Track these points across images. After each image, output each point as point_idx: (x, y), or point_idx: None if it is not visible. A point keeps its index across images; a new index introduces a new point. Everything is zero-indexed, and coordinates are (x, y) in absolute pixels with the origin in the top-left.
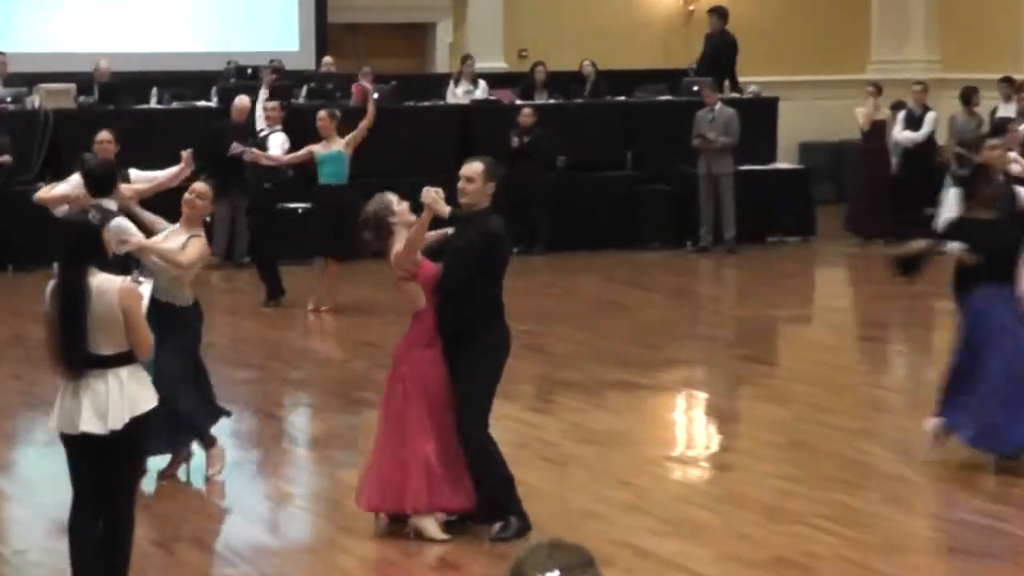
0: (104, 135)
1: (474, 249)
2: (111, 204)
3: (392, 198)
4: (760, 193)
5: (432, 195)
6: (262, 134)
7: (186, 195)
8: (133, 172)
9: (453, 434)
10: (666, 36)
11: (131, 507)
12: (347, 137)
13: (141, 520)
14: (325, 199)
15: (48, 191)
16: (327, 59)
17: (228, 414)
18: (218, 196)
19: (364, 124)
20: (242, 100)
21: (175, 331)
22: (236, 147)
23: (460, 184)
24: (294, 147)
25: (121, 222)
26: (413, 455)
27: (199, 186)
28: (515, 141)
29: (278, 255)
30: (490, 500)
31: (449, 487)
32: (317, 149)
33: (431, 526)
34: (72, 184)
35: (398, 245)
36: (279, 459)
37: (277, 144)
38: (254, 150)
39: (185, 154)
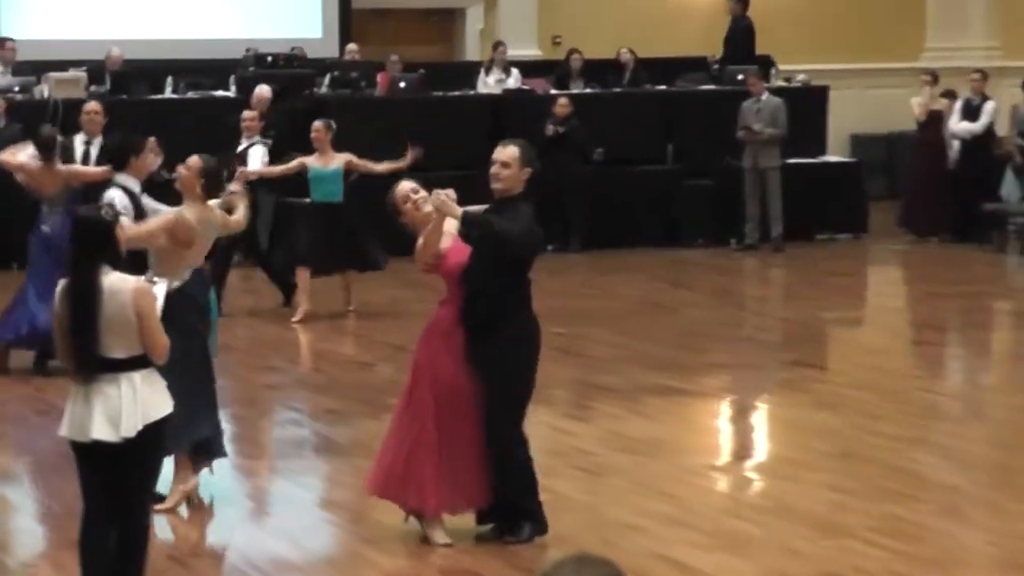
0: (93, 105)
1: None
2: (132, 182)
3: (401, 193)
4: (809, 188)
5: (441, 198)
6: (240, 148)
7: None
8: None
9: (465, 425)
10: (709, 22)
11: (145, 519)
12: (351, 158)
13: (155, 532)
14: (324, 219)
15: (11, 155)
16: (351, 46)
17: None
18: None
19: (372, 167)
20: (262, 90)
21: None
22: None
23: (494, 169)
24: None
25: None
26: (416, 444)
27: (191, 159)
28: (550, 129)
29: (289, 257)
30: (507, 501)
31: (456, 484)
32: (311, 163)
33: (436, 533)
34: (27, 155)
35: (419, 240)
36: (300, 468)
37: (257, 158)
38: (243, 169)
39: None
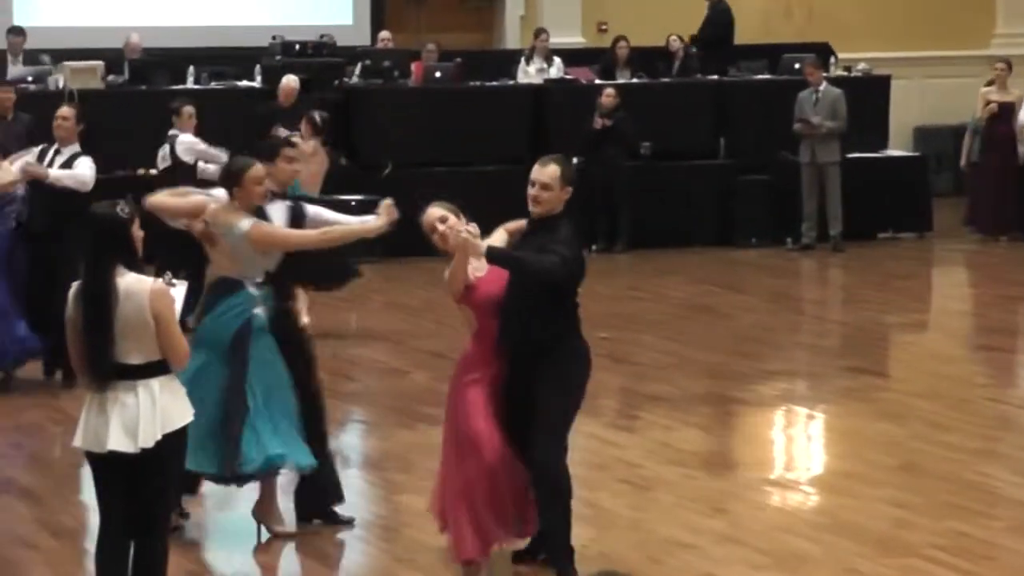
0: (64, 110)
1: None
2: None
3: (428, 223)
4: (870, 184)
5: (463, 237)
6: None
7: None
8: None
9: (496, 460)
10: (765, 7)
11: (165, 533)
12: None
13: (176, 547)
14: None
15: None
16: (384, 34)
17: None
18: None
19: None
20: (289, 81)
21: None
22: (282, 132)
23: (533, 192)
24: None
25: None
26: (449, 491)
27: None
28: (598, 123)
29: None
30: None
31: (497, 520)
32: None
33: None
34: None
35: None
36: None
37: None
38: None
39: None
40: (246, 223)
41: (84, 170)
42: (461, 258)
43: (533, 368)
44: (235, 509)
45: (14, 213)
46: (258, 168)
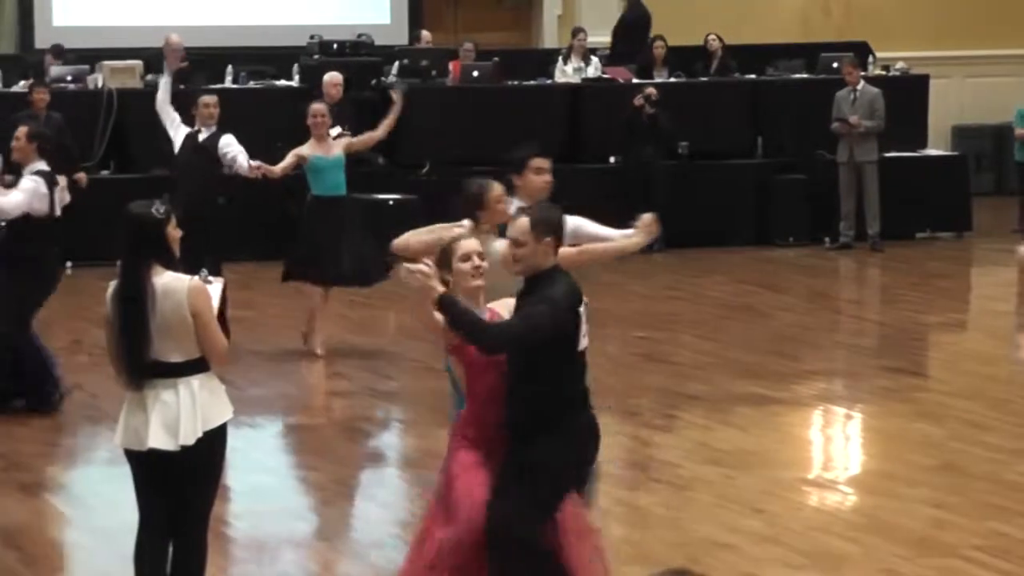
0: (20, 130)
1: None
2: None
3: (454, 240)
4: (908, 183)
5: (416, 276)
6: (201, 137)
7: None
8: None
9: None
10: (803, 5)
11: (204, 532)
12: (344, 141)
13: (215, 547)
14: (327, 215)
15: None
16: (425, 34)
17: None
18: None
19: (374, 135)
20: (334, 77)
21: None
22: (336, 132)
23: (507, 250)
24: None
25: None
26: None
27: None
28: (639, 100)
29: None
30: None
31: None
32: (308, 153)
33: None
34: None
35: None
36: (369, 480)
37: (239, 149)
38: (265, 167)
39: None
40: (500, 244)
41: (13, 196)
42: (425, 310)
43: (522, 446)
44: (275, 508)
45: None
46: (497, 187)
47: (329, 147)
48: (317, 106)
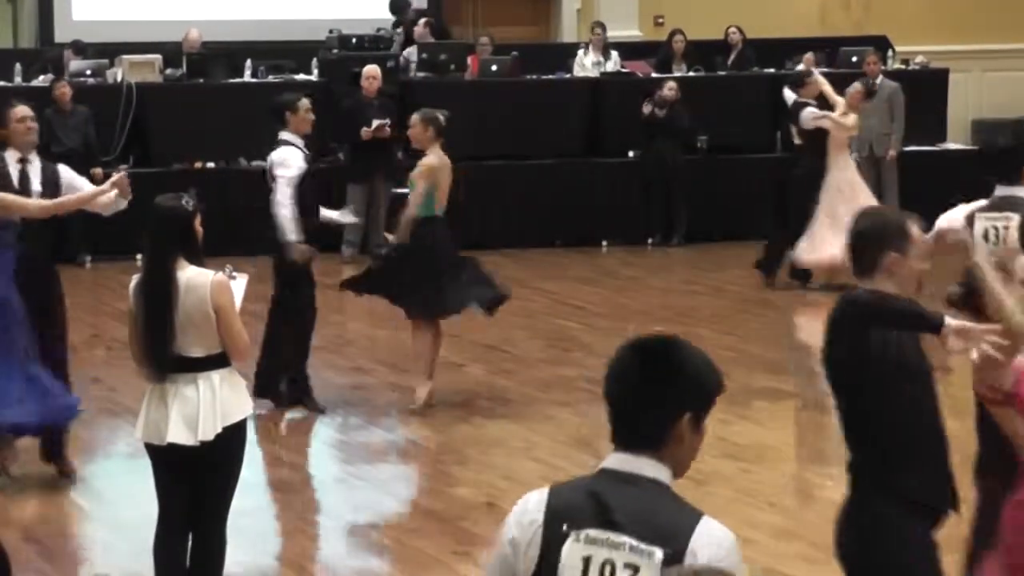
0: (21, 110)
1: None
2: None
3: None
4: (928, 178)
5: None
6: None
7: None
8: (64, 171)
9: None
10: (823, 0)
11: (223, 526)
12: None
13: (233, 540)
14: (417, 239)
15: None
16: (419, 29)
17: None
18: (359, 179)
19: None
20: (373, 68)
21: None
22: (376, 123)
23: None
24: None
25: None
26: None
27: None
28: (647, 108)
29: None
30: None
31: None
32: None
33: None
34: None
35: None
36: (387, 474)
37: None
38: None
39: (117, 177)
40: None
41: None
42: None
43: None
44: (292, 501)
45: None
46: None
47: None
48: (413, 116)
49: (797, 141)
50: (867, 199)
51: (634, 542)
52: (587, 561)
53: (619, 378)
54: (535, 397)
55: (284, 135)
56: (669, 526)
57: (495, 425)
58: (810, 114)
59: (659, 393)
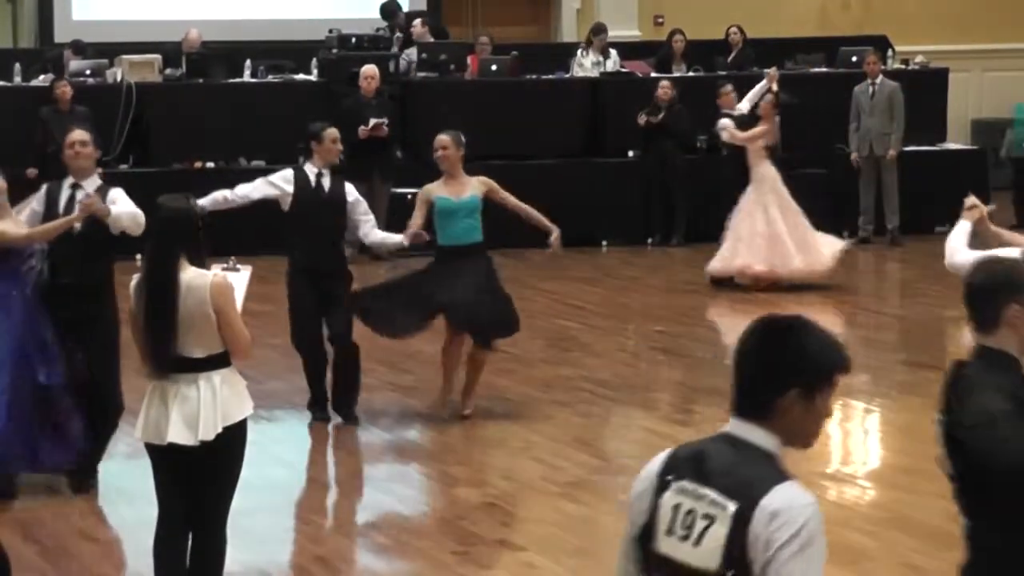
0: (79, 134)
1: None
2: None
3: None
4: (928, 177)
5: None
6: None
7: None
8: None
9: None
10: (823, 0)
11: (223, 526)
12: (489, 185)
13: (233, 540)
14: (463, 271)
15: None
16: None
17: None
18: (357, 179)
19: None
20: (371, 68)
21: None
22: (374, 122)
23: None
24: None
25: None
26: None
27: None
28: (642, 119)
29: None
30: None
31: None
32: (438, 192)
33: None
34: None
35: None
36: (387, 475)
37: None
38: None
39: (84, 200)
40: None
41: (133, 207)
42: None
43: None
44: (292, 502)
45: (33, 273)
46: None
47: (460, 185)
48: (441, 136)
49: (724, 152)
50: (784, 211)
51: (715, 495)
52: (676, 509)
53: (739, 350)
54: (535, 397)
55: (306, 165)
56: (749, 483)
57: (495, 425)
58: (719, 128)
59: (767, 366)
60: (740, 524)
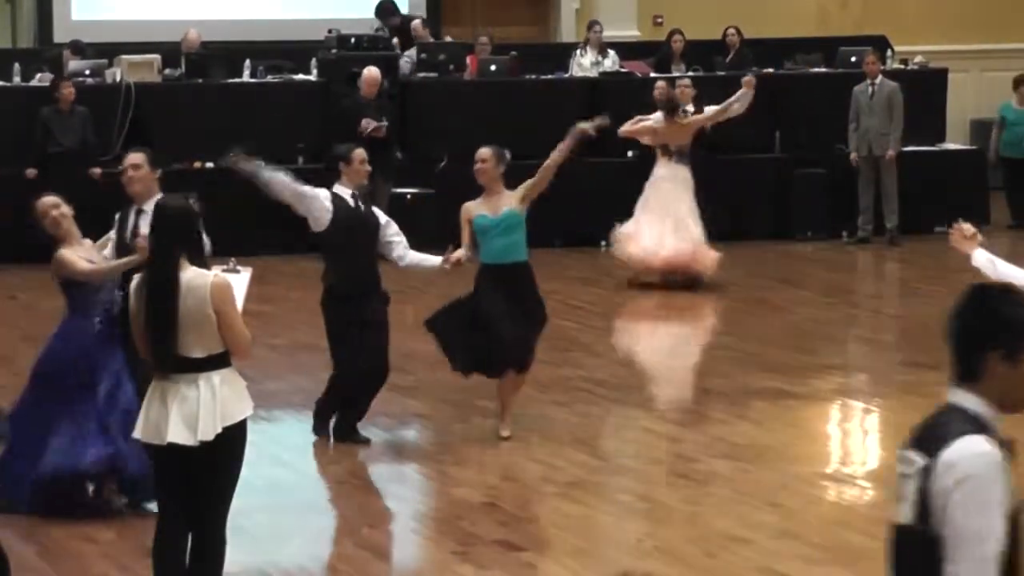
0: (134, 157)
1: None
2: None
3: None
4: (927, 177)
5: None
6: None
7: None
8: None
9: None
10: (822, 0)
11: (223, 526)
12: (522, 189)
13: (233, 540)
14: (507, 292)
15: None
16: (415, 24)
17: None
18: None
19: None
20: (372, 71)
21: None
22: (368, 123)
23: None
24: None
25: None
26: None
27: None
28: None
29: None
30: None
31: None
32: (477, 210)
33: None
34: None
35: None
36: (386, 474)
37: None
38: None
39: (139, 243)
40: None
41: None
42: None
43: None
44: (292, 502)
45: (106, 308)
46: None
47: (497, 201)
48: (482, 150)
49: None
50: (675, 207)
51: (912, 454)
52: (899, 477)
53: (949, 318)
54: (534, 397)
55: (337, 188)
56: (938, 439)
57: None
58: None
59: (965, 330)
60: (925, 477)
